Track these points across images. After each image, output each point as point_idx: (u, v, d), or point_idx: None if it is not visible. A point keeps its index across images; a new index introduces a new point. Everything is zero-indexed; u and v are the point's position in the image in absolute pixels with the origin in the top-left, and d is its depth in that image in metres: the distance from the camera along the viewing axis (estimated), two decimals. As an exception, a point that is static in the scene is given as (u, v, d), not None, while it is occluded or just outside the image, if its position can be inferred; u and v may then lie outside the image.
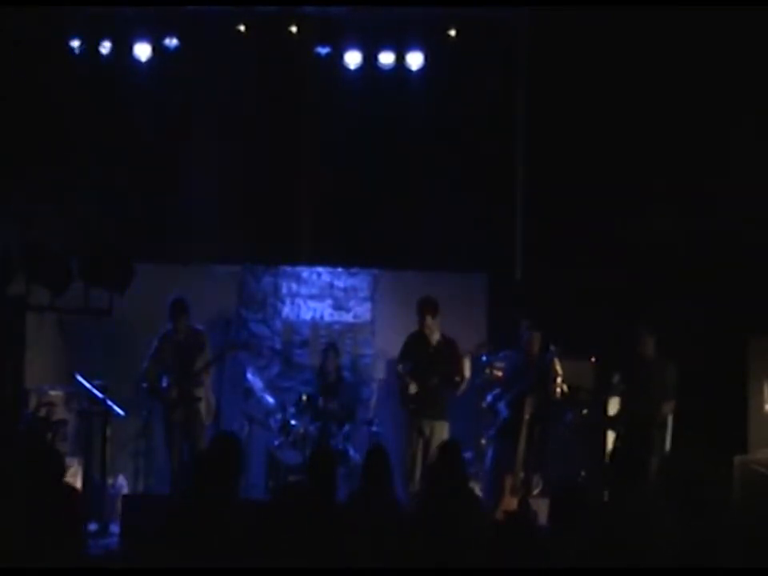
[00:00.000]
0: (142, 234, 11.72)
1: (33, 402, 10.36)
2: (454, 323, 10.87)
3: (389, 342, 11.37)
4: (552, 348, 10.07)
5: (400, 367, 10.45)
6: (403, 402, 10.44)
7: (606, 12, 10.87)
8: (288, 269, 12.07)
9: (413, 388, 10.26)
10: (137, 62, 11.97)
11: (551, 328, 10.30)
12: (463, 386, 10.40)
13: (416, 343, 10.48)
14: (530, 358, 10.28)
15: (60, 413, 10.43)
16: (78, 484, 9.90)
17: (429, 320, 10.39)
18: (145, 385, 10.49)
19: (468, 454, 10.14)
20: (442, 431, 10.25)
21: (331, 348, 11.19)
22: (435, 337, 10.43)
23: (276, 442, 10.77)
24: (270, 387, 11.26)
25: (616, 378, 10.24)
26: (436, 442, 9.93)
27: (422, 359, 10.33)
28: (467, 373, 10.33)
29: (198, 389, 10.46)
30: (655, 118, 11.15)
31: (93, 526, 9.81)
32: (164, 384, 10.45)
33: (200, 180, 12.01)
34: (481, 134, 11.96)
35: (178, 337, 10.54)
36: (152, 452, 10.82)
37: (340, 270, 12.06)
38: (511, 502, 9.70)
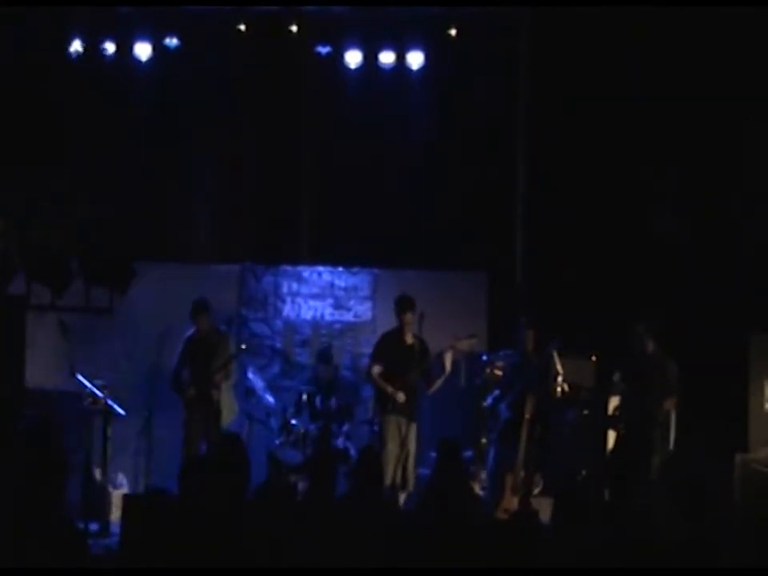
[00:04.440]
0: (142, 234, 11.72)
1: (33, 402, 10.36)
2: (454, 323, 10.84)
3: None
4: (552, 346, 10.05)
5: (375, 369, 10.35)
6: (378, 402, 10.34)
7: (607, 11, 10.87)
8: (288, 268, 12.05)
9: (391, 390, 10.14)
10: (137, 61, 11.97)
11: (552, 327, 10.29)
12: (442, 380, 10.20)
13: (391, 342, 10.37)
14: (527, 356, 10.26)
15: (60, 412, 10.43)
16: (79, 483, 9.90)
17: (410, 316, 10.28)
18: (172, 384, 10.57)
19: (468, 454, 10.15)
20: (411, 433, 10.11)
21: (322, 358, 11.13)
22: (410, 335, 10.33)
23: (277, 442, 10.77)
24: (271, 387, 11.25)
25: (617, 377, 10.22)
26: (408, 444, 9.95)
27: (397, 358, 10.24)
28: (448, 366, 10.21)
29: (216, 389, 10.46)
30: (656, 117, 11.16)
31: (93, 526, 9.81)
32: (184, 383, 10.54)
33: (200, 179, 12.02)
34: (481, 133, 11.96)
35: (199, 336, 10.59)
36: (153, 451, 10.82)
37: (340, 269, 12.04)
38: (512, 502, 9.70)
